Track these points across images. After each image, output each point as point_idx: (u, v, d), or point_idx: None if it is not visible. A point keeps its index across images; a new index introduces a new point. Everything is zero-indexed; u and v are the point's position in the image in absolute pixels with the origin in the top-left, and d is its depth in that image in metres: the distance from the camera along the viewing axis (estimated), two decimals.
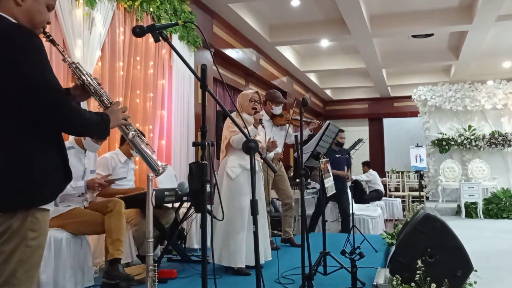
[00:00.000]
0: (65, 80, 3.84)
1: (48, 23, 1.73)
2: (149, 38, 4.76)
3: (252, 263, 3.62)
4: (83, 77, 1.83)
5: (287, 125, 4.89)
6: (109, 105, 1.84)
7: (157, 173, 1.91)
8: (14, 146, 1.53)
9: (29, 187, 1.54)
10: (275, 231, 5.30)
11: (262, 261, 3.77)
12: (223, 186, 3.76)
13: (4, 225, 1.52)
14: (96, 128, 1.70)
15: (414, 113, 11.46)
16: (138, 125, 4.74)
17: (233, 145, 3.78)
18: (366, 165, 9.88)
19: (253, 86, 8.86)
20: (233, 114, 3.74)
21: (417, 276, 2.80)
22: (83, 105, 3.93)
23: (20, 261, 1.53)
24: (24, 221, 1.54)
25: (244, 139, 1.93)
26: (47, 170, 1.59)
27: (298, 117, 5.03)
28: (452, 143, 9.86)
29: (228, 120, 3.94)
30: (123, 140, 4.01)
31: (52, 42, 1.80)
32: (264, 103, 4.78)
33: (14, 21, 1.59)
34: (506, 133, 9.56)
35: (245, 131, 1.96)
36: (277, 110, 4.80)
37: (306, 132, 4.69)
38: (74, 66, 1.84)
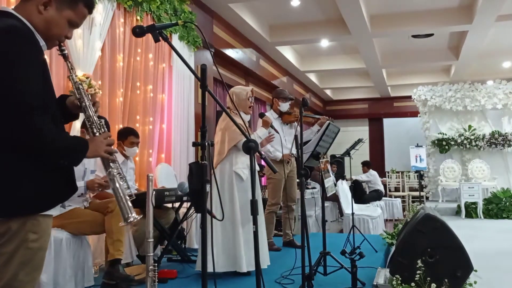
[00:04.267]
0: (64, 81, 3.85)
1: (68, 38, 1.67)
2: (149, 37, 4.76)
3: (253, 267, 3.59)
4: (82, 99, 1.74)
5: (297, 123, 4.84)
6: (96, 133, 1.72)
7: (126, 221, 1.69)
8: (11, 157, 1.48)
9: (25, 197, 1.51)
10: (276, 231, 5.30)
11: (263, 266, 3.67)
12: (233, 188, 3.64)
13: (3, 227, 1.49)
14: (66, 152, 1.58)
15: (414, 113, 11.45)
16: (138, 125, 4.73)
17: (242, 148, 3.66)
18: (366, 165, 9.89)
19: (253, 86, 8.86)
20: (234, 115, 3.71)
21: (417, 276, 2.80)
22: None
23: (21, 263, 1.51)
24: (24, 223, 1.51)
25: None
26: (46, 181, 1.55)
27: (308, 114, 5.03)
28: (452, 143, 9.85)
29: (224, 120, 3.87)
30: (119, 142, 4.01)
31: (64, 56, 1.74)
32: (271, 102, 4.86)
33: (27, 22, 1.55)
34: (506, 133, 9.56)
35: (245, 131, 1.96)
36: (284, 107, 4.76)
37: (316, 128, 4.66)
38: (76, 86, 1.75)
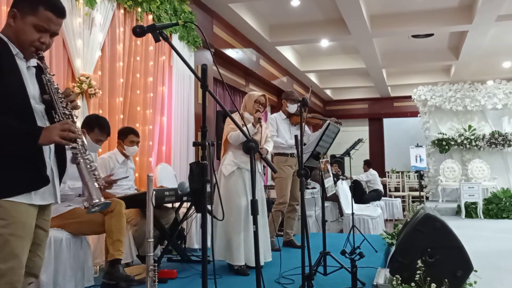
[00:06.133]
0: (64, 81, 3.85)
1: (44, 43, 1.79)
2: (149, 37, 4.76)
3: (252, 263, 3.62)
4: (51, 93, 1.83)
5: (304, 124, 4.89)
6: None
7: (91, 206, 1.73)
8: None
9: None
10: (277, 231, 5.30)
11: (261, 262, 3.74)
12: (220, 185, 3.77)
13: None
14: (9, 138, 1.67)
15: (414, 113, 11.46)
16: (138, 125, 4.73)
17: (230, 141, 3.79)
18: (367, 164, 9.91)
19: (253, 86, 8.87)
20: (235, 114, 3.76)
21: (417, 276, 2.80)
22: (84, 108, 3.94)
23: None
24: None
25: (242, 136, 1.93)
26: (10, 168, 1.67)
27: (315, 116, 5.06)
28: (452, 143, 9.86)
29: (228, 119, 3.95)
30: (119, 141, 4.01)
31: (40, 59, 1.84)
32: (280, 103, 4.95)
33: (3, 37, 1.76)
34: (506, 133, 9.56)
35: (245, 130, 1.96)
36: (292, 108, 4.80)
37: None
38: (45, 83, 1.84)
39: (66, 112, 1.82)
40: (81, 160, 1.77)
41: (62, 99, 1.83)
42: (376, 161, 12.74)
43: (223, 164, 3.85)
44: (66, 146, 1.80)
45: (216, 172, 3.73)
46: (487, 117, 9.92)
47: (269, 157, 4.67)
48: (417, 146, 9.93)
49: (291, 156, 4.75)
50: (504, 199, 8.22)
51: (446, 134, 9.97)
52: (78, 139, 1.77)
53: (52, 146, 1.84)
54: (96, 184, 1.76)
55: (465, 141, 9.73)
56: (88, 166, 1.78)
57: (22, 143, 1.70)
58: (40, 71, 1.87)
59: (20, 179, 1.70)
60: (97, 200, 1.73)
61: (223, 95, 7.84)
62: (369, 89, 13.45)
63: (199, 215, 4.24)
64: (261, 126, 3.90)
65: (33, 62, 1.87)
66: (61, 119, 1.78)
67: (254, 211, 1.95)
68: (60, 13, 1.82)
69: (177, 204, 4.22)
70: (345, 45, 9.46)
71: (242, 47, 7.78)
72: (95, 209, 1.74)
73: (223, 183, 3.80)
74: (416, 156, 9.82)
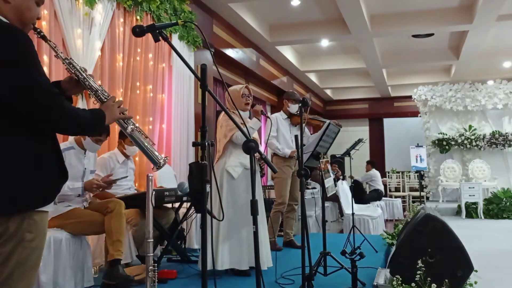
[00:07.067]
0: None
1: (38, 18, 1.68)
2: (149, 37, 4.76)
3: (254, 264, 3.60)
4: (77, 72, 1.82)
5: (304, 125, 4.89)
6: (105, 100, 1.81)
7: (158, 166, 1.86)
8: (5, 148, 1.49)
9: (24, 190, 1.51)
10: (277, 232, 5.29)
11: (264, 267, 3.60)
12: (223, 186, 3.66)
13: (1, 227, 1.49)
14: (90, 126, 1.68)
15: (414, 113, 11.45)
16: (137, 125, 4.72)
17: (236, 142, 3.68)
18: (370, 164, 9.93)
19: (253, 86, 8.86)
20: (233, 113, 3.73)
21: (418, 276, 2.80)
22: (81, 103, 3.93)
23: (17, 262, 1.52)
24: (21, 223, 1.51)
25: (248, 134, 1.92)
26: (42, 172, 1.56)
27: (316, 117, 5.09)
28: (453, 143, 9.85)
29: (223, 119, 3.90)
30: (120, 140, 4.01)
31: (44, 38, 1.77)
32: (281, 103, 4.99)
33: (4, 19, 1.55)
34: (506, 133, 9.55)
35: (244, 129, 1.94)
36: (294, 108, 4.81)
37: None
38: (67, 61, 1.83)
39: (102, 89, 1.85)
40: (135, 129, 1.87)
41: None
42: (376, 161, 12.74)
43: (228, 165, 3.69)
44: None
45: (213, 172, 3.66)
46: (488, 117, 9.91)
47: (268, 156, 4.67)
48: (418, 146, 9.92)
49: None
50: (504, 199, 8.21)
51: (446, 134, 9.96)
52: (126, 111, 1.85)
53: None
54: (152, 146, 1.89)
55: (465, 141, 9.72)
56: (141, 132, 1.89)
57: (96, 127, 1.72)
58: None
59: (51, 179, 1.59)
60: (162, 160, 1.87)
61: (223, 95, 7.83)
62: (369, 89, 13.45)
63: (199, 215, 4.23)
64: (268, 117, 3.87)
65: None
66: (104, 97, 1.82)
67: (254, 211, 1.94)
68: None
69: (177, 204, 4.22)
70: (345, 45, 9.46)
71: (242, 47, 7.78)
72: (163, 165, 1.88)
73: (230, 185, 3.65)
74: (416, 156, 9.81)
